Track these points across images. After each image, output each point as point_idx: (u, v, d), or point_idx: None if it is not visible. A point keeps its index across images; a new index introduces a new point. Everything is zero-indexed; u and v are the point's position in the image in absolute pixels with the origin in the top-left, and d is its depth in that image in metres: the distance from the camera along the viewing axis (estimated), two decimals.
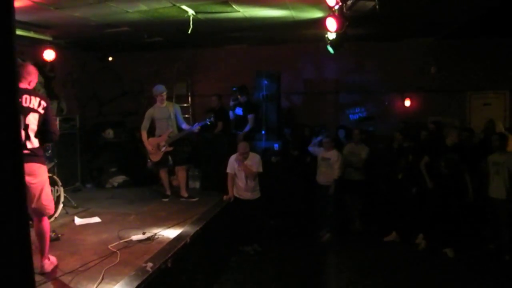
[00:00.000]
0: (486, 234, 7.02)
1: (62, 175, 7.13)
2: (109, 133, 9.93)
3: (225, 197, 7.05)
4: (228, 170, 7.04)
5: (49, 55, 8.47)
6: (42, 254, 4.20)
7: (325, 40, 6.82)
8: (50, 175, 6.26)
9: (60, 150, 8.25)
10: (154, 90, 7.46)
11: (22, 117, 3.91)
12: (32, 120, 4.03)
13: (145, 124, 7.42)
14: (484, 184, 6.70)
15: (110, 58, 10.75)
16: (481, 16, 7.38)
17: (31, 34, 7.56)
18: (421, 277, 6.21)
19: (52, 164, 6.99)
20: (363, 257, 6.91)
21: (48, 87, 9.69)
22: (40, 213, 4.17)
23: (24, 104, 3.98)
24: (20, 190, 1.37)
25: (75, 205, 6.97)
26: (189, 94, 11.39)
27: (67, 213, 6.54)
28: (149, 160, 7.73)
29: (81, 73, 10.74)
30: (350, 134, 8.43)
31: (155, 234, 5.43)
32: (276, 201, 7.79)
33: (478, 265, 6.44)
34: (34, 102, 4.06)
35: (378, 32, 9.12)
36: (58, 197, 6.34)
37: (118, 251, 4.79)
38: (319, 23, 6.60)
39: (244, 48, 11.05)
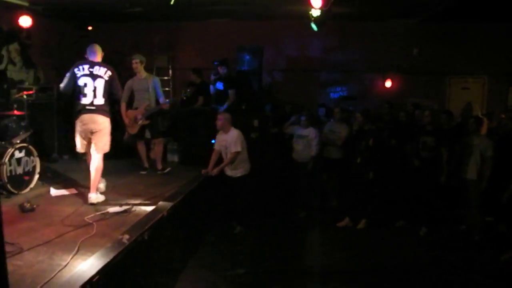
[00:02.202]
0: (458, 214, 7.20)
1: (39, 145, 7.00)
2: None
3: (203, 171, 7.01)
4: (215, 146, 6.99)
5: (25, 21, 8.22)
6: (90, 187, 5.59)
7: (309, 17, 6.77)
8: (25, 145, 6.18)
9: (37, 120, 8.09)
10: None
11: (92, 81, 5.55)
12: (99, 84, 5.57)
13: (125, 96, 7.29)
14: (459, 165, 6.83)
15: (90, 28, 10.49)
16: (464, 1, 7.41)
17: None
18: (392, 251, 6.40)
19: (28, 133, 6.85)
20: (337, 234, 7.04)
21: (24, 54, 9.45)
22: (94, 150, 5.66)
23: (94, 72, 5.57)
24: None
25: (52, 176, 6.87)
26: (170, 67, 11.26)
27: (42, 184, 6.44)
28: (126, 133, 7.63)
29: (59, 42, 10.48)
30: (331, 113, 8.44)
31: (132, 206, 5.39)
32: (254, 177, 7.79)
33: (448, 244, 6.62)
34: (102, 71, 5.61)
35: (362, 11, 9.09)
36: (34, 168, 6.24)
37: (94, 223, 4.74)
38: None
39: (227, 23, 10.92)
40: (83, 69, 5.60)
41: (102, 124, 5.67)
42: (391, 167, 7.24)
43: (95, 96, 5.57)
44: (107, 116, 5.73)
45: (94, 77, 5.57)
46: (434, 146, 6.83)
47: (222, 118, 6.83)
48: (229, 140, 6.77)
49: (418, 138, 7.05)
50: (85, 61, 5.73)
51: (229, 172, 6.90)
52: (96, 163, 5.65)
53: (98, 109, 5.62)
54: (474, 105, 8.73)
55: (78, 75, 5.58)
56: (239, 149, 6.70)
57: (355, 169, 7.37)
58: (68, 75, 5.66)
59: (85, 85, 5.55)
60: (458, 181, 6.84)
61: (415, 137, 7.11)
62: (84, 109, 5.60)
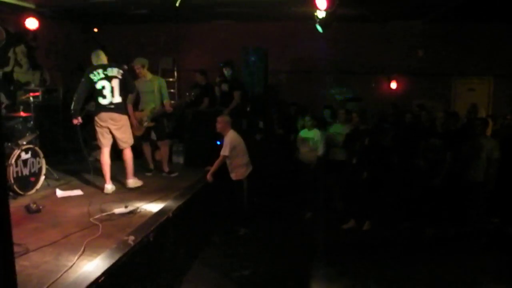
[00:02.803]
0: (465, 216, 7.16)
1: (44, 146, 7.03)
2: (93, 105, 9.76)
3: (207, 167, 7.02)
4: None
5: (31, 23, 8.27)
6: (126, 174, 6.40)
7: (314, 19, 6.77)
8: (31, 146, 6.21)
9: (43, 121, 8.12)
10: None
11: (108, 83, 6.00)
12: (115, 84, 6.04)
13: (131, 97, 7.29)
14: (465, 167, 6.80)
15: (95, 30, 10.55)
16: (469, 1, 7.38)
17: (13, 1, 7.35)
18: (398, 253, 6.37)
19: (34, 135, 6.88)
20: (343, 236, 7.03)
21: (31, 56, 9.50)
22: (121, 145, 6.30)
23: (109, 74, 6.03)
24: None
25: (57, 177, 6.90)
26: (175, 68, 11.28)
27: (48, 185, 6.47)
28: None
29: (65, 44, 10.54)
30: (336, 114, 8.43)
31: (138, 207, 5.42)
32: (260, 179, 7.78)
33: (455, 246, 6.58)
34: (115, 71, 6.07)
35: (367, 12, 9.08)
36: (40, 169, 6.27)
37: (100, 224, 4.76)
38: (309, 1, 6.53)
39: (232, 24, 10.93)
40: (99, 73, 6.03)
41: (120, 121, 6.20)
42: (388, 168, 7.20)
43: (113, 96, 6.07)
44: (124, 114, 6.30)
45: (109, 78, 6.04)
46: (441, 149, 6.79)
47: (221, 121, 6.91)
48: (224, 143, 6.82)
49: (425, 139, 7.01)
50: (97, 66, 6.13)
51: (230, 174, 6.94)
52: (126, 155, 6.35)
53: (116, 108, 6.12)
54: (479, 107, 8.68)
55: (95, 80, 6.03)
56: (225, 153, 6.76)
57: (351, 170, 7.32)
58: (83, 82, 6.08)
59: (103, 87, 6.03)
60: (463, 183, 6.82)
61: (422, 138, 7.08)
62: (103, 108, 6.08)
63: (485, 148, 6.51)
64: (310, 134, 7.67)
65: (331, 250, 6.46)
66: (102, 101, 6.06)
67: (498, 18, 9.23)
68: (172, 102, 7.59)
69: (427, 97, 10.10)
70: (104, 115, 6.10)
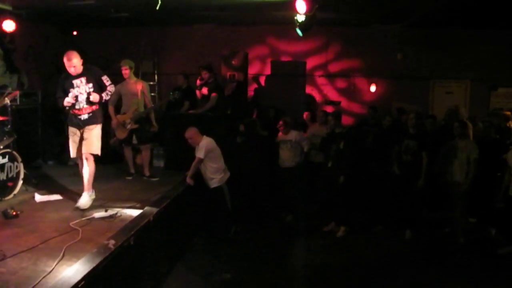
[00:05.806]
0: (443, 217, 7.28)
1: (23, 151, 6.92)
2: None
3: (187, 172, 6.97)
4: None
5: (8, 26, 8.15)
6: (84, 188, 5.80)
7: (294, 23, 6.83)
8: (9, 150, 6.11)
9: (21, 125, 8.00)
10: None
11: None
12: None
13: (113, 99, 7.19)
14: (443, 168, 6.91)
15: (75, 33, 10.44)
16: (448, 5, 7.52)
17: None
18: (377, 256, 6.42)
19: (12, 139, 6.77)
20: (323, 239, 7.05)
21: (8, 59, 9.35)
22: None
23: None
24: None
25: (36, 182, 6.80)
26: (156, 72, 11.24)
27: (26, 190, 6.35)
28: (114, 137, 7.57)
29: (43, 46, 10.40)
30: (315, 117, 8.49)
31: (118, 212, 5.38)
32: (240, 182, 7.77)
33: (434, 247, 6.66)
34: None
35: (346, 16, 9.19)
36: (18, 174, 6.16)
37: (79, 228, 4.71)
38: (289, 5, 6.59)
39: (213, 28, 10.94)
40: None
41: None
42: (365, 171, 7.23)
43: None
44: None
45: None
46: (416, 150, 6.88)
47: (190, 136, 6.78)
48: (199, 146, 6.78)
49: (399, 142, 7.11)
50: None
51: (207, 183, 6.90)
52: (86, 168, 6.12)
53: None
54: (460, 109, 8.84)
55: None
56: (200, 155, 6.69)
57: (326, 173, 7.32)
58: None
59: None
60: (442, 183, 6.93)
61: (399, 142, 7.16)
62: None
63: (464, 150, 6.64)
64: (288, 136, 7.67)
65: (311, 253, 6.50)
66: None
67: (475, 23, 9.41)
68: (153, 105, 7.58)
69: (406, 100, 10.23)
70: None
